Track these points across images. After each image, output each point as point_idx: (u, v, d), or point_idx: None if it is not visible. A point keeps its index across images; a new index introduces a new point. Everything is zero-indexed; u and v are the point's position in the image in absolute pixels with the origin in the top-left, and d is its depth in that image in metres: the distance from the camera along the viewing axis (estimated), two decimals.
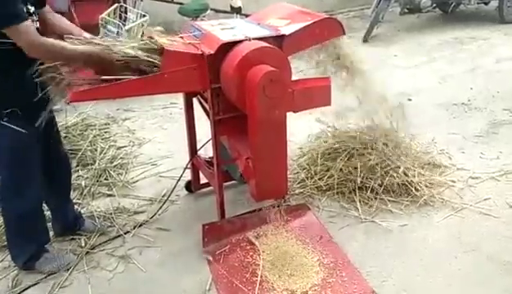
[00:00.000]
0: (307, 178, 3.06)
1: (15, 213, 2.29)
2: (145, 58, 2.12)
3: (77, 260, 2.50)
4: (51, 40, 1.98)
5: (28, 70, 1.98)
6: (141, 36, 2.33)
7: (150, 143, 3.83)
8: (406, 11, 7.09)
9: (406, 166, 2.93)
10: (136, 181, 3.26)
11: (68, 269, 2.44)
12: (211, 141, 2.50)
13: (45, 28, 2.17)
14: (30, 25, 1.96)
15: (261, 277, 2.26)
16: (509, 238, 2.58)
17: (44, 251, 2.45)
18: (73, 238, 2.67)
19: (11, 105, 2.07)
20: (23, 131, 2.09)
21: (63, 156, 2.57)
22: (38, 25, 2.11)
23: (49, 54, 1.99)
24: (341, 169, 2.97)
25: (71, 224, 2.67)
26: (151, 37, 2.23)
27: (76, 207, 2.80)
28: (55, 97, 2.08)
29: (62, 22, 2.27)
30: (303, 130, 3.63)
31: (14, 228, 2.35)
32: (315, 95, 2.51)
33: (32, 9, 2.07)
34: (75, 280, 2.40)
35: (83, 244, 2.62)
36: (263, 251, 2.41)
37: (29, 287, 2.36)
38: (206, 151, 2.90)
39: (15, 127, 2.08)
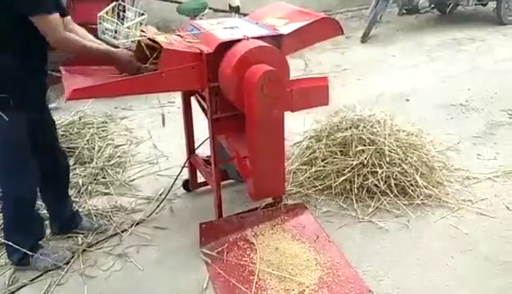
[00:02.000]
0: (305, 177, 3.06)
1: (12, 199, 2.31)
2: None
3: (72, 257, 2.50)
4: (74, 36, 2.13)
5: (23, 59, 2.06)
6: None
7: (147, 141, 3.82)
8: (404, 11, 7.10)
9: (403, 166, 2.93)
10: (134, 180, 3.26)
11: (63, 266, 2.44)
12: (209, 140, 2.50)
13: None
14: (59, 18, 2.07)
15: (258, 276, 2.26)
16: (506, 238, 2.59)
17: (39, 247, 2.45)
18: (70, 236, 2.66)
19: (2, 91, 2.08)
20: (6, 118, 2.08)
21: (59, 153, 2.57)
22: None
23: (71, 48, 2.13)
24: (338, 169, 2.97)
25: (68, 222, 2.67)
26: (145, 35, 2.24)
27: (73, 205, 2.80)
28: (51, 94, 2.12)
29: (83, 34, 2.29)
30: (300, 129, 3.63)
31: (12, 217, 2.36)
32: (313, 94, 2.52)
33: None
34: (72, 278, 2.39)
35: (80, 242, 2.61)
36: (260, 251, 2.41)
37: (26, 285, 2.36)
38: (204, 150, 2.89)
39: (3, 115, 2.08)
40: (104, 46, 2.21)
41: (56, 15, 2.04)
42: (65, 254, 2.50)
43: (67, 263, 2.46)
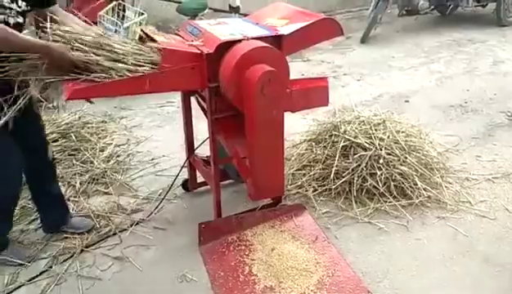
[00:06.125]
0: (304, 178, 3.06)
1: None
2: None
3: (33, 254, 2.52)
4: (3, 27, 1.95)
5: None
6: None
7: (147, 141, 3.82)
8: (404, 12, 7.09)
9: (402, 168, 2.94)
10: (133, 180, 3.26)
11: (29, 262, 2.46)
12: (208, 140, 2.50)
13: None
14: None
15: (256, 276, 2.26)
16: (505, 240, 2.60)
17: (8, 241, 2.50)
18: (66, 237, 2.65)
19: None
20: None
21: (46, 148, 2.53)
22: (20, 20, 2.10)
23: None
24: (337, 170, 2.97)
25: (57, 221, 2.67)
26: (149, 36, 2.23)
27: (65, 203, 2.77)
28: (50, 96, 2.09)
29: (70, 19, 2.26)
30: (300, 129, 3.63)
31: None
32: (313, 95, 2.52)
33: (14, 5, 2.06)
34: (70, 279, 2.39)
35: (78, 243, 2.60)
36: (259, 251, 2.41)
37: (24, 284, 2.36)
38: (203, 150, 2.89)
39: None
40: (33, 40, 2.00)
41: None
42: (27, 252, 2.52)
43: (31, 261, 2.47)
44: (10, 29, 1.97)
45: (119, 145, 3.70)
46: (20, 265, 2.44)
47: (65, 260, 2.50)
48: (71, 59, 1.97)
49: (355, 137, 3.02)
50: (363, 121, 3.18)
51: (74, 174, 3.22)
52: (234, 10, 5.37)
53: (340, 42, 6.36)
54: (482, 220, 2.76)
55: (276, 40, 2.35)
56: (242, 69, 2.14)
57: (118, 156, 3.52)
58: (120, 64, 2.05)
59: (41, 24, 2.09)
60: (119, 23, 2.32)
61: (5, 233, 2.50)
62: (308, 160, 3.16)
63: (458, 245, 2.56)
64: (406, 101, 4.54)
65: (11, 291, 2.32)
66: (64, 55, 1.96)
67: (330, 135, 3.16)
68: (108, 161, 3.42)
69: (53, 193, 2.65)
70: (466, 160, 3.40)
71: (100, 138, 3.74)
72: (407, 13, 7.12)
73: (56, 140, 3.54)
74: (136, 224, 2.77)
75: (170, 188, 2.93)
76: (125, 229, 2.72)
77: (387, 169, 2.91)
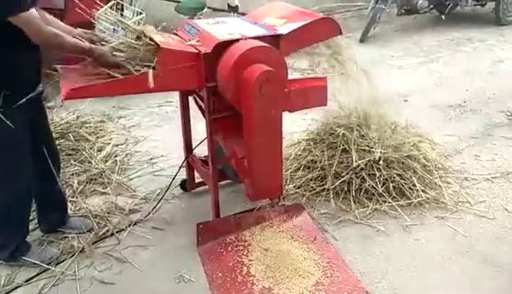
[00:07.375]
0: (303, 179, 3.05)
1: (3, 201, 2.30)
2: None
3: (59, 253, 2.51)
4: (54, 30, 2.05)
5: (18, 58, 2.04)
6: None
7: (145, 141, 3.81)
8: (403, 11, 7.08)
9: (401, 168, 2.93)
10: (132, 180, 3.25)
11: (50, 263, 2.43)
12: (206, 140, 2.49)
13: None
14: (34, 13, 2.00)
15: (255, 277, 2.26)
16: (503, 239, 2.59)
17: (27, 243, 2.47)
18: (65, 237, 2.65)
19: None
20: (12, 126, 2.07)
21: (53, 149, 2.54)
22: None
23: (51, 42, 2.05)
24: (336, 171, 2.96)
25: (58, 221, 2.66)
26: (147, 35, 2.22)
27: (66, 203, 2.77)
28: (48, 93, 2.11)
29: (54, 23, 2.24)
30: (298, 129, 3.62)
31: (2, 217, 2.35)
32: (311, 95, 2.51)
33: None
34: (67, 279, 2.38)
35: (76, 243, 2.59)
36: (258, 251, 2.40)
37: (21, 285, 2.35)
38: (202, 150, 2.88)
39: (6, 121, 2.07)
40: (82, 43, 2.14)
41: (32, 12, 1.98)
42: (52, 251, 2.51)
43: (57, 263, 2.46)
44: (60, 32, 2.08)
45: (117, 145, 3.69)
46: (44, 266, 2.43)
47: (62, 261, 2.48)
48: (112, 60, 2.13)
49: (353, 137, 3.01)
50: (362, 120, 3.17)
51: (72, 174, 3.20)
52: (232, 9, 5.35)
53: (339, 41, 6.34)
54: (481, 220, 2.75)
55: (275, 39, 2.34)
56: (240, 69, 2.13)
57: (116, 156, 3.51)
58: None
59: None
60: (117, 23, 2.31)
61: (23, 238, 2.47)
62: (307, 160, 3.15)
63: (457, 245, 2.56)
64: (405, 101, 4.53)
65: (8, 292, 2.31)
66: (105, 57, 2.12)
67: (329, 135, 3.16)
68: (106, 161, 3.41)
69: (55, 194, 2.63)
70: (465, 160, 3.39)
71: (98, 138, 3.72)
72: (406, 12, 7.11)
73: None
74: (134, 224, 2.76)
75: (168, 188, 2.92)
76: (123, 230, 2.71)
77: (386, 170, 2.90)
